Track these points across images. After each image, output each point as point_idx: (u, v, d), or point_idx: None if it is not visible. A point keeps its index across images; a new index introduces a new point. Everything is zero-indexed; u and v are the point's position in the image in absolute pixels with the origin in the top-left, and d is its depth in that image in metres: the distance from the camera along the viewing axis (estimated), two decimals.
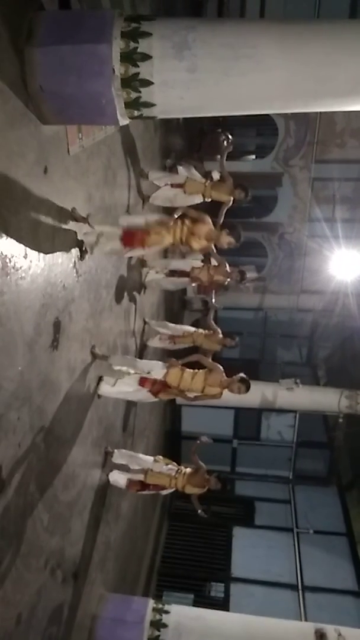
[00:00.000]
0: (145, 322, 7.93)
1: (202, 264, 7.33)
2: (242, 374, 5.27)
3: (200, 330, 7.45)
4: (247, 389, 5.24)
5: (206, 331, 7.29)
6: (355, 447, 11.71)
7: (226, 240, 5.23)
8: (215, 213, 6.73)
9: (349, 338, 13.04)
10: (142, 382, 5.30)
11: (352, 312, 11.96)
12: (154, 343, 7.96)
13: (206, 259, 7.23)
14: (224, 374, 5.26)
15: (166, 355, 9.23)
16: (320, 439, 12.27)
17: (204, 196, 6.67)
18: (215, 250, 5.90)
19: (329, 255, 11.74)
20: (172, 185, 6.82)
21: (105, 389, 5.40)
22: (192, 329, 7.67)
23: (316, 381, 13.00)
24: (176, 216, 4.91)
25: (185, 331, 7.68)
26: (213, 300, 7.53)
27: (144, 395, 5.39)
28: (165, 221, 4.77)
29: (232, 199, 6.61)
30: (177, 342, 7.70)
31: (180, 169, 6.94)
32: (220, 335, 7.14)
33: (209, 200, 6.75)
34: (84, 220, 4.56)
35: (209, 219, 4.88)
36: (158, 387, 5.28)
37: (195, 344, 7.32)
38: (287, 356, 14.53)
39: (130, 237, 4.58)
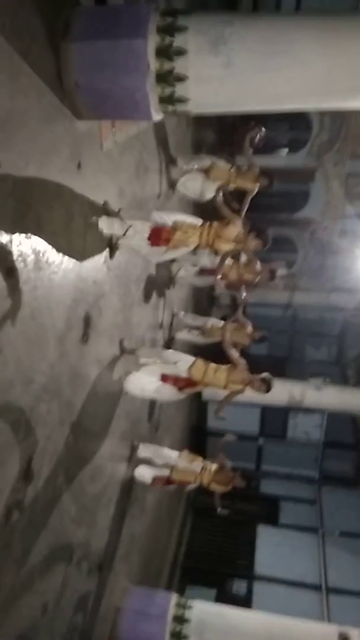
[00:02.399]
0: (174, 315, 7.94)
1: (232, 261, 7.27)
2: (266, 374, 5.18)
3: (230, 324, 7.41)
4: (268, 390, 5.16)
5: (235, 325, 7.24)
6: None
7: (254, 243, 5.20)
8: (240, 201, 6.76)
9: None
10: (164, 378, 5.26)
11: None
12: (183, 335, 7.94)
13: (236, 257, 7.17)
14: (247, 371, 5.21)
15: (193, 348, 9.25)
16: (348, 440, 12.11)
17: (228, 183, 6.64)
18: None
19: None
20: (197, 171, 6.84)
21: (130, 384, 5.38)
22: (221, 322, 7.64)
23: (345, 381, 12.81)
24: (216, 195, 4.88)
25: (214, 324, 7.66)
26: (243, 294, 7.47)
27: (167, 392, 5.36)
28: (194, 223, 4.75)
29: (256, 187, 6.55)
30: (205, 336, 7.67)
31: (204, 156, 7.08)
32: (250, 329, 7.09)
33: (233, 187, 6.71)
34: (116, 214, 4.57)
35: (239, 222, 4.82)
36: (181, 383, 5.25)
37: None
38: (316, 355, 14.35)
39: (157, 234, 4.57)
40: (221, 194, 4.96)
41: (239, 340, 6.94)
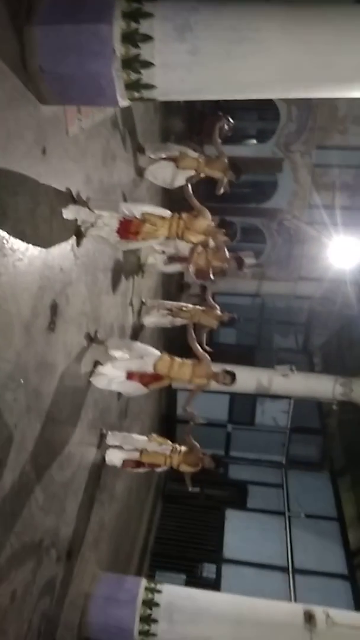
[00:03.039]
0: (142, 302, 7.94)
1: (201, 249, 7.30)
2: (227, 368, 5.48)
3: (198, 307, 7.46)
4: (232, 380, 5.40)
5: (204, 307, 7.30)
6: (348, 433, 11.83)
7: (222, 236, 5.27)
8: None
9: (346, 326, 13.08)
10: (130, 376, 5.33)
11: (350, 300, 11.98)
12: (151, 319, 7.95)
13: (204, 245, 7.21)
14: (211, 366, 5.34)
15: (162, 338, 9.28)
16: (314, 425, 12.38)
17: (197, 172, 6.68)
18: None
19: (328, 243, 11.72)
20: (166, 159, 6.84)
21: (97, 379, 5.40)
22: (190, 305, 7.68)
23: (311, 368, 13.07)
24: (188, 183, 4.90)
25: (183, 306, 7.70)
26: (211, 277, 7.48)
27: (134, 387, 5.43)
28: (163, 214, 4.77)
29: (224, 176, 6.61)
30: (174, 316, 7.71)
31: (172, 145, 7.11)
32: (218, 312, 7.16)
33: (202, 176, 6.75)
34: (85, 203, 4.54)
35: (208, 214, 4.84)
36: (147, 379, 5.33)
37: (193, 320, 7.32)
38: (283, 343, 14.58)
39: (125, 227, 4.58)
40: (190, 185, 4.98)
41: (208, 323, 7.01)
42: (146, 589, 6.09)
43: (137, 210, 4.68)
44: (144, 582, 6.19)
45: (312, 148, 12.03)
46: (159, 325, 8.21)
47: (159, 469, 6.17)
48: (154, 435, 6.16)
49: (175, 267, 7.94)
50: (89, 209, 4.57)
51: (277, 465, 12.06)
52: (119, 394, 6.79)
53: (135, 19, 3.25)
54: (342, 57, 3.32)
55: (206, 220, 4.83)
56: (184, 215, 4.82)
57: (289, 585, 9.28)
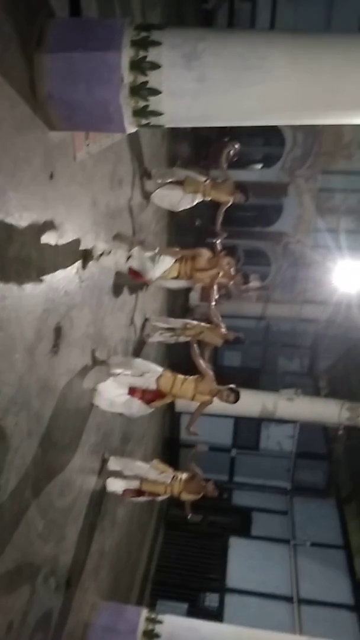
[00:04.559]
0: (146, 319, 7.90)
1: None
2: (232, 385, 5.33)
3: (203, 324, 7.38)
4: (236, 399, 5.26)
5: (209, 325, 7.21)
6: (354, 459, 11.66)
7: (226, 264, 5.59)
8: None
9: (352, 349, 13.00)
10: (132, 391, 5.27)
11: (355, 323, 11.92)
12: (155, 338, 7.89)
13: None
14: (214, 382, 5.25)
15: (167, 357, 9.22)
16: (319, 450, 12.22)
17: (203, 195, 6.72)
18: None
19: (332, 266, 11.73)
20: (172, 183, 6.89)
21: (100, 398, 5.34)
22: (195, 322, 7.61)
23: (317, 392, 12.96)
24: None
25: (188, 324, 7.63)
26: (215, 295, 7.42)
27: (137, 407, 5.35)
28: (172, 259, 5.34)
29: (231, 200, 6.65)
30: (178, 335, 7.64)
31: (179, 169, 7.21)
32: (223, 330, 7.09)
33: (209, 199, 6.79)
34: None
35: (204, 250, 5.40)
36: (149, 396, 5.27)
37: (198, 337, 7.23)
38: (288, 366, 14.50)
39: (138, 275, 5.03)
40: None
41: (212, 341, 6.92)
42: (147, 619, 5.98)
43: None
44: (144, 612, 6.08)
45: (317, 173, 12.16)
46: (163, 342, 8.14)
47: (159, 498, 6.07)
48: (156, 462, 6.07)
49: (180, 283, 7.84)
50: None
51: (282, 491, 11.87)
52: (124, 419, 6.71)
53: (143, 47, 3.28)
54: (348, 84, 3.34)
55: (204, 255, 5.48)
56: (188, 259, 5.45)
57: (293, 615, 9.06)
